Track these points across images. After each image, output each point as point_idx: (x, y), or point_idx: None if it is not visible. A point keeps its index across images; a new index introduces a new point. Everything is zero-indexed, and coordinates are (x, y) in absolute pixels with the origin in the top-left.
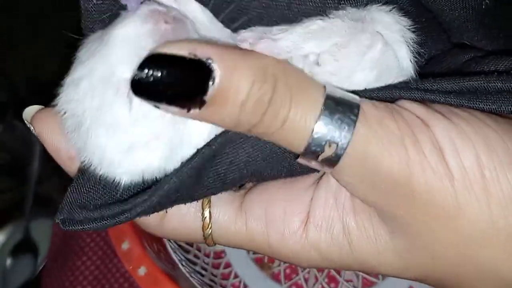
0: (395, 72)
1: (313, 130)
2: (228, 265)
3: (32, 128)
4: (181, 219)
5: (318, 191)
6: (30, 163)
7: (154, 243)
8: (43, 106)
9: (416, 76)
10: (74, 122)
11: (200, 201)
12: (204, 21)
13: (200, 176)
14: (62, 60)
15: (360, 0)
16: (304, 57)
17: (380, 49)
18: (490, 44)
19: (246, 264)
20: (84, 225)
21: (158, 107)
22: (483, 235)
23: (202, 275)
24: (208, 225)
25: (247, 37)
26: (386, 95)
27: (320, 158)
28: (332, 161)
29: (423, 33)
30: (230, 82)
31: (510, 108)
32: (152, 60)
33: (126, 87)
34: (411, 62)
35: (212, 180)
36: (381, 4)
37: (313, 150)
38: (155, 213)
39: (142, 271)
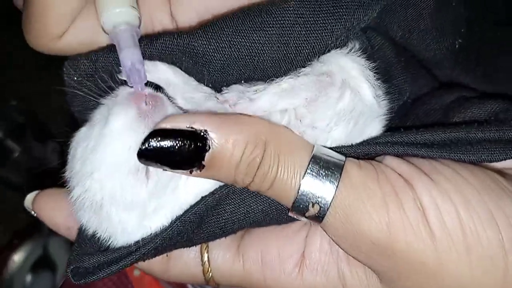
0: (369, 115)
1: (298, 191)
2: None
3: (32, 212)
4: (183, 266)
5: (313, 235)
6: (47, 183)
7: None
8: (38, 191)
9: (391, 113)
10: (93, 209)
11: (198, 247)
12: (178, 83)
13: (202, 223)
14: None
15: (318, 47)
16: (281, 112)
17: (349, 97)
18: (468, 77)
19: None
20: (93, 275)
21: (165, 170)
22: None
23: None
24: (208, 269)
25: (228, 97)
26: (371, 150)
27: (307, 215)
28: (318, 219)
29: (403, 71)
30: (225, 148)
31: (489, 158)
32: (156, 134)
33: (142, 169)
34: (374, 99)
35: (212, 228)
36: (340, 48)
37: (299, 208)
38: (159, 261)
39: None
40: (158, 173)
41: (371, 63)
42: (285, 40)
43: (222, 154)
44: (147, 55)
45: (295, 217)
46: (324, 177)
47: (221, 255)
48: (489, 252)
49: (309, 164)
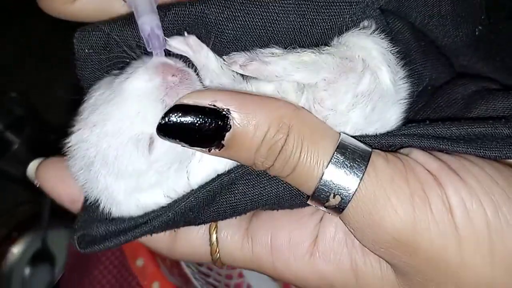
0: (388, 99)
1: (320, 180)
2: (241, 275)
3: (36, 182)
4: (190, 244)
5: (327, 222)
6: None
7: (167, 259)
8: (42, 159)
9: (411, 98)
10: (83, 162)
11: (207, 226)
12: (215, 69)
13: (214, 201)
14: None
15: (335, 21)
16: (297, 93)
17: (369, 81)
18: (486, 66)
19: (258, 275)
20: (101, 243)
21: (183, 146)
22: None
23: (215, 287)
24: (216, 250)
25: (237, 58)
26: (396, 142)
27: (326, 205)
28: (337, 210)
29: (423, 56)
30: (246, 129)
31: None
32: (177, 109)
33: (146, 141)
34: (390, 81)
35: (223, 207)
36: (361, 28)
37: (319, 198)
38: (166, 238)
39: (155, 286)
40: (164, 148)
41: (393, 46)
42: (302, 11)
43: (243, 134)
44: (162, 27)
45: (313, 205)
46: (349, 168)
47: (230, 236)
48: None
49: (334, 153)
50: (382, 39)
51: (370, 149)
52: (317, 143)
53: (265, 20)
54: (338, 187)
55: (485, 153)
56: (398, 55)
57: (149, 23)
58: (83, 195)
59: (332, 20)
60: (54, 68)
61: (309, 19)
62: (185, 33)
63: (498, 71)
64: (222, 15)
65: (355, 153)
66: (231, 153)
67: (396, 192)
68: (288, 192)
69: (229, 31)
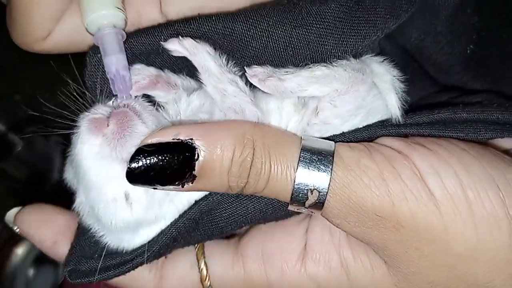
0: (384, 111)
1: (294, 182)
2: None
3: (16, 229)
4: (178, 277)
5: (314, 226)
6: (50, 176)
7: None
8: (20, 207)
9: (403, 121)
10: (88, 221)
11: (194, 255)
12: (215, 72)
13: (198, 225)
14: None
15: (349, 50)
16: (304, 103)
17: (373, 97)
18: (476, 83)
19: None
20: (90, 277)
21: (155, 188)
22: (472, 252)
23: None
24: (206, 276)
25: (258, 72)
26: (363, 135)
27: (307, 204)
28: (318, 206)
29: (407, 83)
30: (213, 154)
31: (477, 136)
32: (140, 152)
33: (122, 199)
34: (398, 108)
35: (210, 229)
36: (374, 54)
37: (298, 199)
38: (151, 277)
39: None
40: (142, 198)
41: (402, 74)
42: (323, 40)
43: (212, 160)
44: (182, 34)
45: (295, 210)
46: (318, 163)
47: (219, 259)
48: (492, 211)
49: (300, 153)
50: (392, 67)
51: (332, 142)
52: (282, 149)
53: (287, 44)
54: (313, 183)
55: (447, 133)
56: (406, 84)
57: (114, 64)
58: (69, 236)
59: (348, 50)
60: (58, 70)
61: (328, 47)
62: (180, 37)
63: (487, 87)
64: (248, 32)
65: (320, 148)
66: (204, 182)
67: (365, 172)
68: (270, 206)
69: (251, 48)
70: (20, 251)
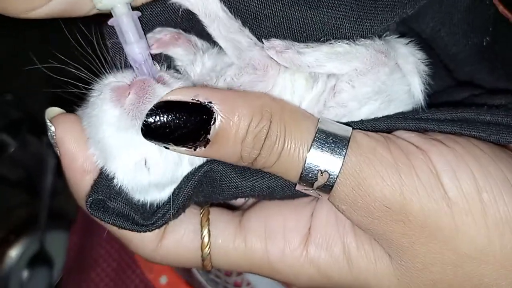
0: (404, 102)
1: (305, 161)
2: (249, 283)
3: (52, 129)
4: (178, 241)
5: (320, 209)
6: (44, 178)
7: None
8: (64, 111)
9: (425, 106)
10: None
11: (198, 220)
12: (224, 20)
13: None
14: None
15: (365, 34)
16: (315, 80)
17: (394, 81)
18: (490, 76)
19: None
20: (109, 217)
21: (167, 148)
22: (481, 253)
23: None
24: (207, 244)
25: (276, 45)
26: (382, 125)
27: (315, 186)
28: (326, 189)
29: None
30: (230, 121)
31: (499, 139)
32: (159, 107)
33: (142, 164)
34: (421, 92)
35: (221, 196)
36: (399, 36)
37: (307, 178)
38: (153, 236)
39: (163, 280)
40: (159, 162)
41: (427, 58)
42: (338, 23)
43: (228, 127)
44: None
45: (303, 190)
46: (332, 144)
47: (222, 228)
48: (506, 216)
49: (316, 133)
50: (417, 50)
51: (350, 128)
52: (298, 126)
53: (302, 26)
54: (325, 165)
55: (469, 132)
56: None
57: (138, 52)
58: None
59: (364, 34)
60: (50, 70)
61: (343, 31)
62: None
63: (501, 80)
64: (262, 11)
65: (336, 131)
66: (217, 148)
67: (380, 161)
68: (280, 183)
69: (265, 27)
70: (14, 253)
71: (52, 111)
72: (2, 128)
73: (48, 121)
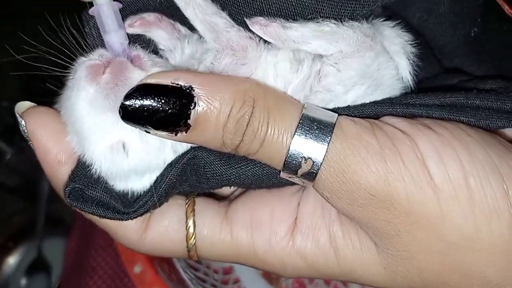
0: (392, 87)
1: (289, 148)
2: (236, 281)
3: (23, 123)
4: (163, 231)
5: (306, 199)
6: (40, 184)
7: (165, 264)
8: (35, 104)
9: (415, 88)
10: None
11: (183, 211)
12: (201, 3)
13: (185, 175)
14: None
15: (356, 13)
16: (300, 62)
17: (380, 65)
18: (479, 68)
19: (254, 279)
20: (89, 206)
21: (148, 132)
22: (468, 241)
23: None
24: (192, 235)
25: (259, 19)
26: (369, 111)
27: (299, 173)
28: (311, 176)
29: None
30: (211, 106)
31: (488, 123)
32: (138, 90)
33: (120, 147)
34: (410, 74)
35: (206, 184)
36: (384, 19)
37: (291, 166)
38: (137, 224)
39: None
40: (139, 147)
41: (415, 39)
42: (319, 7)
43: (209, 111)
44: None
45: (287, 178)
46: (317, 131)
47: (208, 219)
48: (493, 202)
49: (300, 119)
50: (404, 32)
51: (336, 114)
52: (282, 112)
53: (279, 7)
54: (309, 151)
55: (458, 117)
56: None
57: (117, 41)
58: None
59: (344, 17)
60: (46, 77)
61: (322, 16)
62: None
63: (490, 72)
64: None
65: (321, 117)
66: (198, 133)
67: (366, 147)
68: (266, 171)
69: (251, 8)
70: (12, 260)
71: (22, 105)
72: None
73: (18, 115)
